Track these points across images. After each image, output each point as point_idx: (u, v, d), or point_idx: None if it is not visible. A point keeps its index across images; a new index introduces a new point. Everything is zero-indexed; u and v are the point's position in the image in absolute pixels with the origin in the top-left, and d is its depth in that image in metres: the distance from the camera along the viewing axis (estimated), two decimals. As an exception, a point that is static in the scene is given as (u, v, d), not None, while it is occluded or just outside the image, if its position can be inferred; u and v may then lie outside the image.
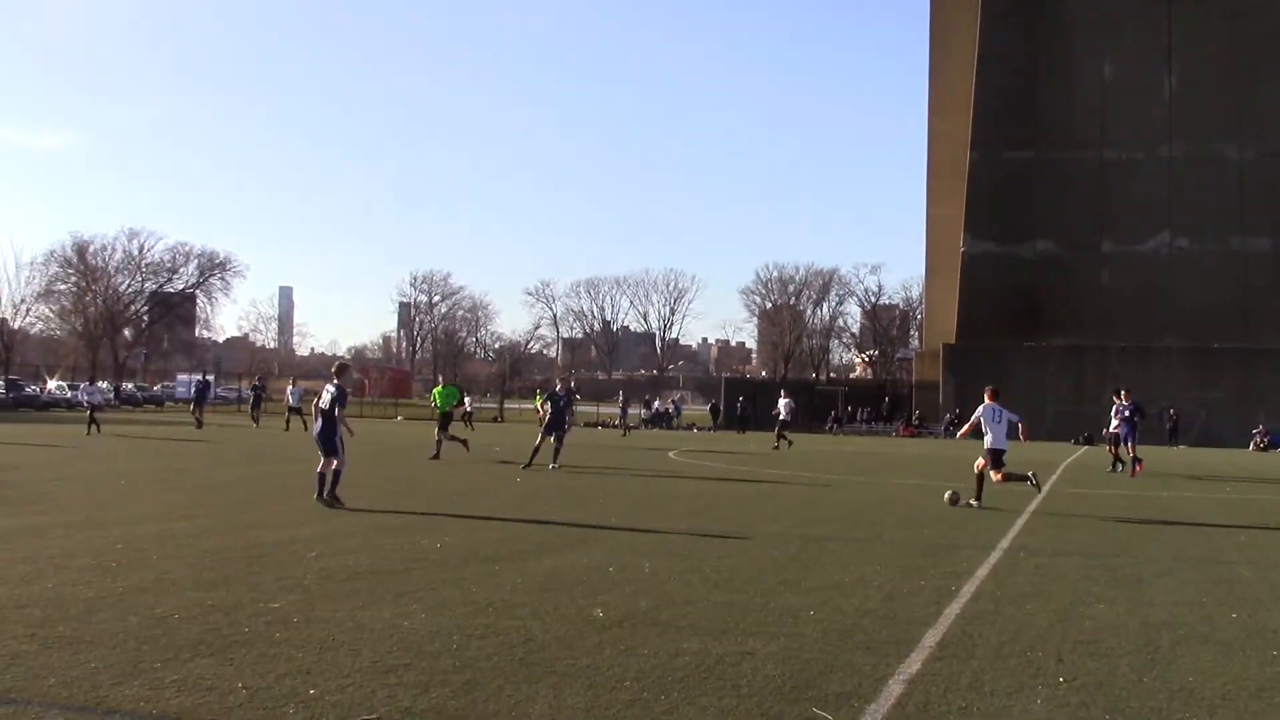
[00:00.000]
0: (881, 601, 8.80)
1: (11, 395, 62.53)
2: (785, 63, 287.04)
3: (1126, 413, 26.40)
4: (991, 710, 5.81)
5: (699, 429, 60.84)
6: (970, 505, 16.72)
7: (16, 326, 79.00)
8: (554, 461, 22.02)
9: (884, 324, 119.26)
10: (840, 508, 16.62)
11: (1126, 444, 26.30)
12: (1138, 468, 25.31)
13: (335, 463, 14.88)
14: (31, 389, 67.85)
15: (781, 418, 38.31)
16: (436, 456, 25.06)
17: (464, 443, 26.78)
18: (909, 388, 70.29)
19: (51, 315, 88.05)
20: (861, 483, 18.20)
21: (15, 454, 24.17)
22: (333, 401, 15.19)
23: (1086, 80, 59.85)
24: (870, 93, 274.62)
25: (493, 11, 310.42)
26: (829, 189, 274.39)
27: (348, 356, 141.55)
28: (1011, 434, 17.33)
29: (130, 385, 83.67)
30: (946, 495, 17.27)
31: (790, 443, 37.07)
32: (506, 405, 76.71)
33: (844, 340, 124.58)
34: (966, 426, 17.93)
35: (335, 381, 15.53)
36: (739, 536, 12.74)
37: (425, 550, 10.83)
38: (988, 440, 17.10)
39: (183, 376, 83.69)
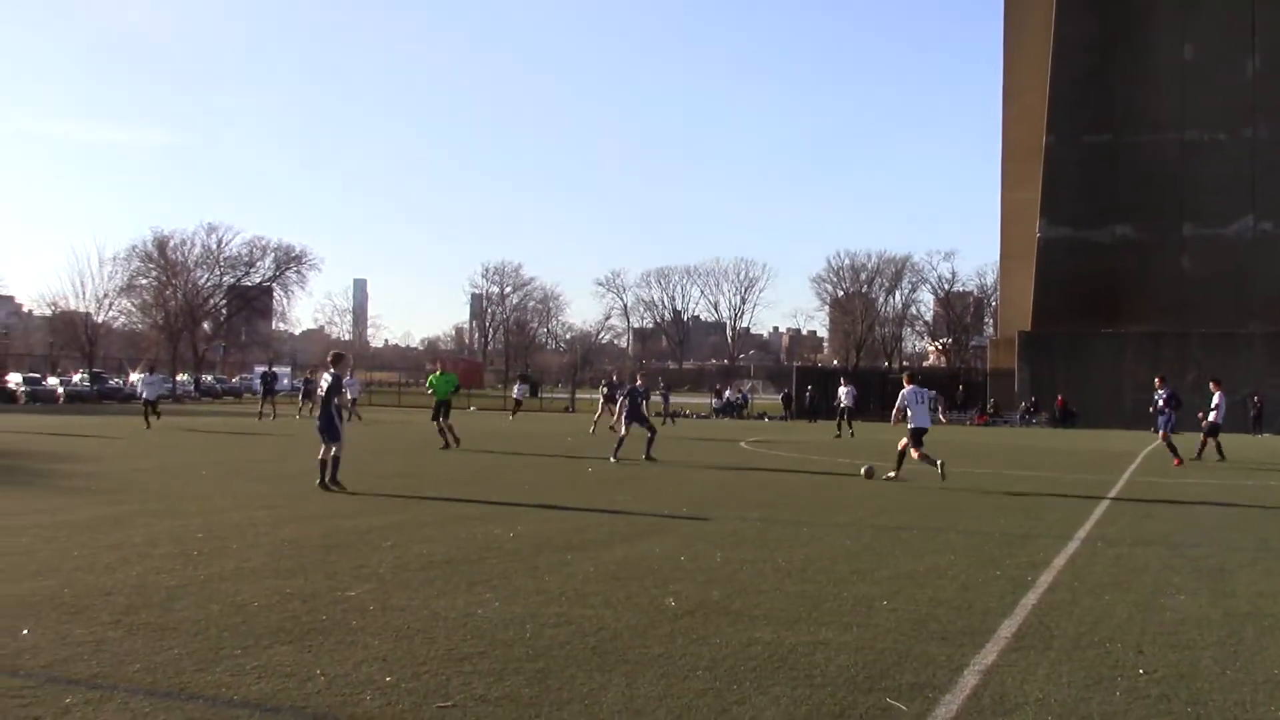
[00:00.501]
0: (956, 591, 8.71)
1: (96, 388, 64.15)
2: (856, 48, 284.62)
3: (1160, 401, 25.94)
4: (1069, 702, 5.72)
5: (770, 418, 60.62)
6: (890, 478, 18.31)
7: (100, 320, 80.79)
8: (614, 456, 21.92)
9: (958, 311, 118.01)
10: (913, 497, 16.45)
11: (1162, 432, 25.78)
12: (1175, 462, 24.64)
13: (335, 448, 15.64)
14: (115, 381, 69.60)
15: (844, 405, 38.37)
16: (447, 446, 24.98)
17: (454, 439, 25.40)
18: (983, 376, 69.38)
19: (133, 309, 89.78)
20: (935, 471, 18.00)
21: (99, 445, 24.75)
22: (330, 389, 16.08)
23: (1165, 61, 58.60)
24: (943, 77, 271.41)
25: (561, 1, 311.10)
26: (901, 175, 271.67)
27: (420, 347, 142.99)
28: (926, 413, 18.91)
29: (209, 377, 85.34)
30: (863, 470, 19.26)
31: (853, 433, 36.95)
32: (577, 395, 76.95)
33: (917, 328, 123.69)
34: (895, 411, 19.02)
35: (332, 370, 16.31)
36: (811, 525, 12.68)
37: (498, 539, 10.92)
38: (912, 420, 18.39)
39: (259, 369, 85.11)
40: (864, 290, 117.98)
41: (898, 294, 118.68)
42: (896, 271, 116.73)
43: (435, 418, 25.99)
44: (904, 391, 18.60)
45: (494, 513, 13.19)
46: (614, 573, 9.14)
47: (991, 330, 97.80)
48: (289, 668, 5.98)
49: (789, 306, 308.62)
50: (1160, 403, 25.92)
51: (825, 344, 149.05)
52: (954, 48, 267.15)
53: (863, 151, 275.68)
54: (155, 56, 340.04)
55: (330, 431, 15.76)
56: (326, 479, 15.47)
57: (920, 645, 6.85)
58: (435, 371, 28.27)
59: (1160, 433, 25.96)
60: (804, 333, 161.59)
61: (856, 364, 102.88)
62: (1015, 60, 70.10)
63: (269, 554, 9.74)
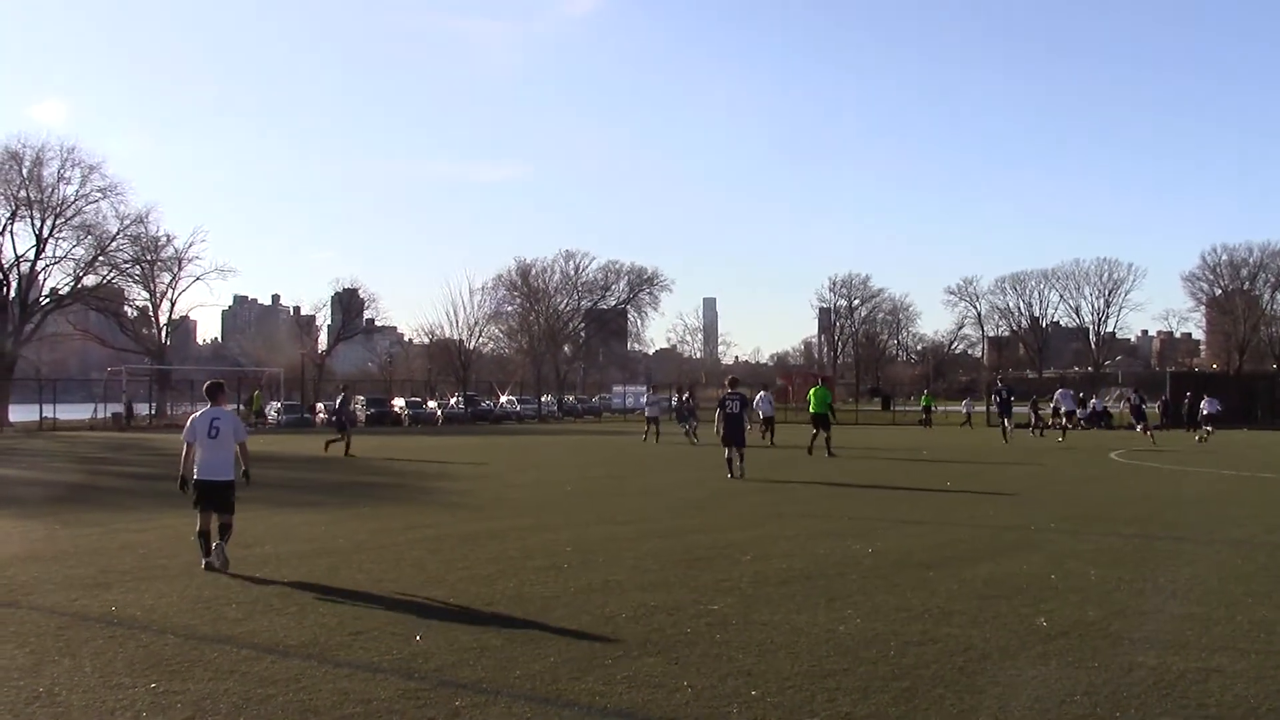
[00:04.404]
0: (1373, 617, 7.82)
1: (469, 410, 68.83)
2: (1225, 22, 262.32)
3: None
4: None
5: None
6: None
7: (472, 346, 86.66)
8: None
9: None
10: (1314, 512, 14.97)
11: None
12: None
13: (741, 451, 20.23)
14: (486, 403, 74.45)
15: (1206, 413, 37.41)
16: (819, 452, 27.18)
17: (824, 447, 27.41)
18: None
19: (500, 335, 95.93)
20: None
21: (475, 464, 26.45)
22: (740, 407, 20.67)
23: None
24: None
25: (900, 9, 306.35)
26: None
27: (770, 363, 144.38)
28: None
29: (570, 398, 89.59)
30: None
31: (1208, 436, 36.07)
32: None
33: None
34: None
35: (733, 391, 20.99)
36: (1195, 542, 11.80)
37: (857, 555, 10.80)
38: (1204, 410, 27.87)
39: (617, 388, 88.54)
40: (1246, 287, 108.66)
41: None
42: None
43: (819, 426, 27.86)
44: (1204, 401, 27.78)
45: (850, 528, 13.07)
46: (980, 590, 8.82)
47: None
48: (658, 679, 6.14)
49: (1159, 308, 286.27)
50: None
51: (1202, 347, 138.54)
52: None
53: (1237, 127, 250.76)
54: (513, 96, 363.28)
55: (739, 439, 20.27)
56: (735, 474, 19.80)
57: (1333, 676, 6.19)
58: (817, 385, 29.95)
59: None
60: (1177, 336, 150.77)
61: (1239, 368, 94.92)
62: None
63: (633, 568, 10.06)
